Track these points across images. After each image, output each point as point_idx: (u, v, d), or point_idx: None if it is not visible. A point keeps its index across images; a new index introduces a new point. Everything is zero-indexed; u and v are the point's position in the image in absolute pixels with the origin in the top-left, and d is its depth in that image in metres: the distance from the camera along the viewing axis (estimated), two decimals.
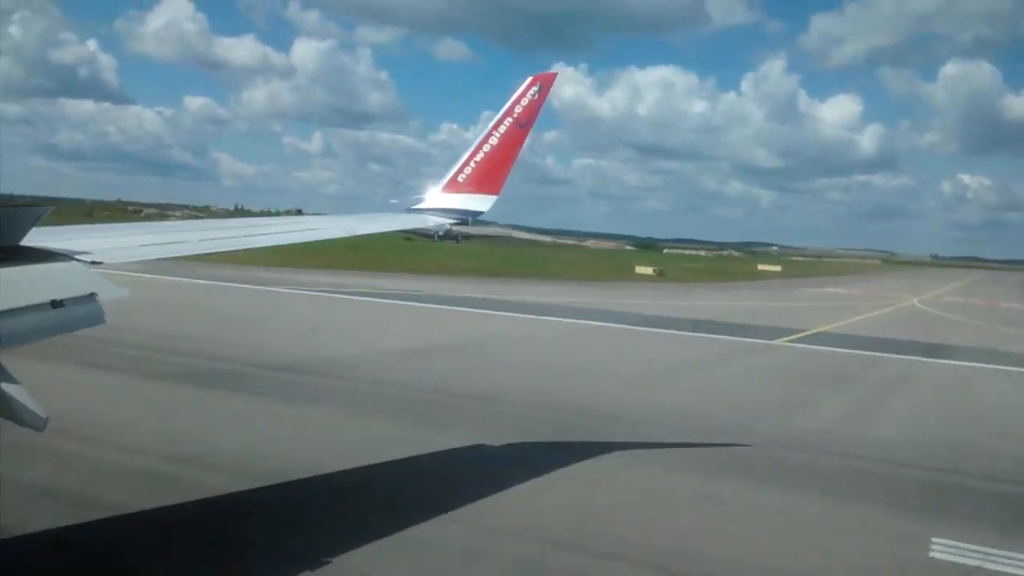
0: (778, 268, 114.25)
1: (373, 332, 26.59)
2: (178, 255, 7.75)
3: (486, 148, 9.87)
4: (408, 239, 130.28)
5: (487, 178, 9.89)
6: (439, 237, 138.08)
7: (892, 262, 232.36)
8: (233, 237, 8.40)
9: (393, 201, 11.45)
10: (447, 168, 10.10)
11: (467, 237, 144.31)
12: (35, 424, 4.81)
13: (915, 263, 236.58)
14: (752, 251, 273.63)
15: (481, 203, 9.94)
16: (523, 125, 9.89)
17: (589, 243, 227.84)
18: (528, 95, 9.92)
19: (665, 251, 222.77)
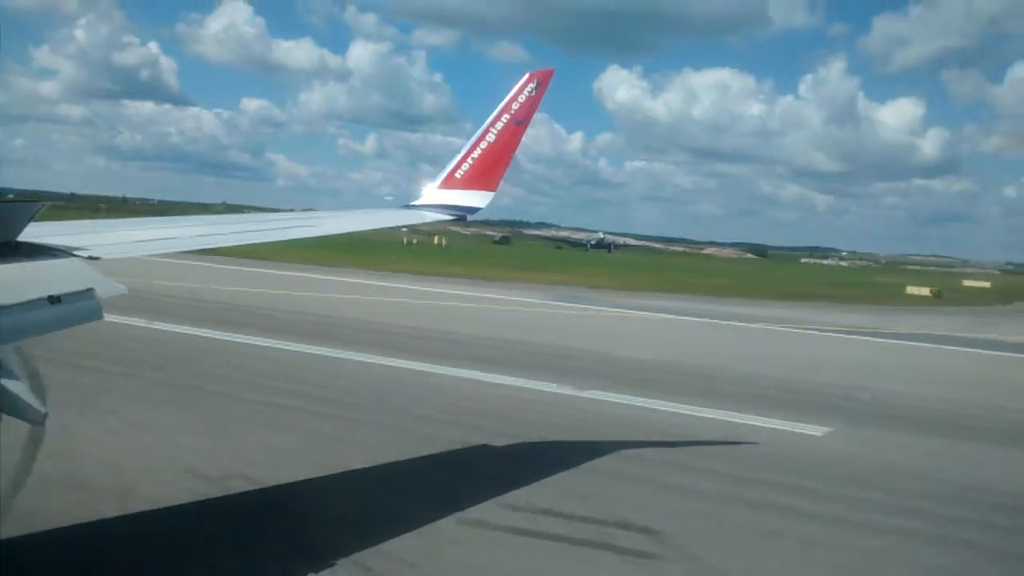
0: (987, 284, 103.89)
1: None
2: (174, 250, 8.29)
3: (483, 145, 9.88)
4: (558, 247, 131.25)
5: (484, 175, 9.91)
6: (591, 246, 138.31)
7: (1011, 272, 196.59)
8: (230, 233, 8.90)
9: (388, 198, 11.74)
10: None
11: (619, 247, 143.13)
12: (35, 419, 4.93)
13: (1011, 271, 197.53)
14: (819, 256, 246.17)
15: (478, 199, 9.96)
16: (520, 122, 9.83)
17: (710, 251, 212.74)
18: (525, 92, 9.84)
19: (802, 260, 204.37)
